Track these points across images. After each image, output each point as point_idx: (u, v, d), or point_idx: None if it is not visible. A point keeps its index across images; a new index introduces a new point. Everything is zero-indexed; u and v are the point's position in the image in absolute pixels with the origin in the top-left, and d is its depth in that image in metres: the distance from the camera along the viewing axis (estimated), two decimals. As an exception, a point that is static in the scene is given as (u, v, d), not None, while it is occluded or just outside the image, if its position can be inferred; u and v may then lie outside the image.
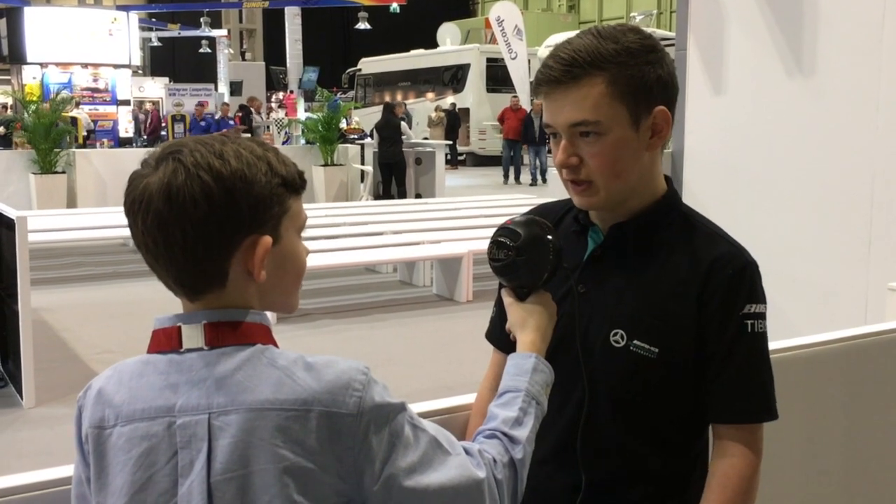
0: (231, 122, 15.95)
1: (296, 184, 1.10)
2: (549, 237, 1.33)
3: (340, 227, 8.54)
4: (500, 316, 1.51)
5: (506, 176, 18.09)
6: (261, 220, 1.05)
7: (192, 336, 1.05)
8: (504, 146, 18.45)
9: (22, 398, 4.70)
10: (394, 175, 12.38)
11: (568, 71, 1.28)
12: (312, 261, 7.29)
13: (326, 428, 1.01)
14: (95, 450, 1.06)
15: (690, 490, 1.40)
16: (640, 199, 1.37)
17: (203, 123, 16.22)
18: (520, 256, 1.32)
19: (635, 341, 1.33)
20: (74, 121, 14.02)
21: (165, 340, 1.06)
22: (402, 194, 12.20)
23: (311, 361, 1.05)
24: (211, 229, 1.02)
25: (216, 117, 16.78)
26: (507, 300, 1.37)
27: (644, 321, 1.33)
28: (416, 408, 1.46)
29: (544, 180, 17.00)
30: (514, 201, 10.58)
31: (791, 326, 3.81)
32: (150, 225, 1.03)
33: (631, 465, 1.36)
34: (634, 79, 1.29)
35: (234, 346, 1.04)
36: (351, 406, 1.02)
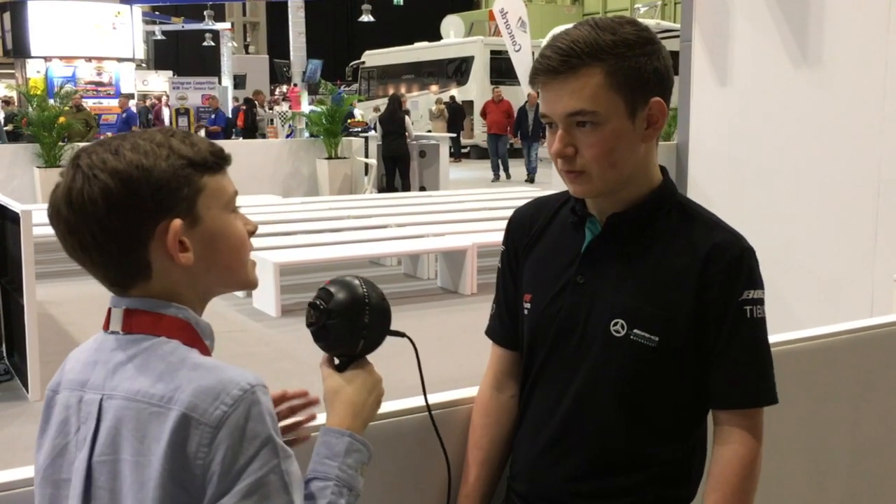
0: (213, 116, 15.73)
1: (206, 162, 1.08)
2: (368, 299, 1.23)
3: (344, 220, 8.54)
4: (499, 312, 1.52)
5: (495, 173, 16.59)
6: (168, 204, 1.04)
7: (116, 320, 1.08)
8: (489, 141, 17.00)
9: (27, 391, 4.72)
10: (398, 168, 12.35)
11: (566, 61, 1.28)
12: (317, 254, 7.31)
13: (180, 432, 0.97)
14: (45, 411, 1.12)
15: (690, 477, 1.42)
16: (635, 189, 1.38)
17: (124, 115, 15.98)
18: (331, 319, 1.21)
19: (635, 330, 1.34)
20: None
21: (105, 320, 1.10)
22: (406, 187, 12.17)
23: (202, 362, 1.03)
24: (116, 224, 1.02)
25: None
26: (325, 371, 1.26)
27: (644, 310, 1.34)
28: (417, 401, 1.46)
29: (532, 180, 15.54)
30: (517, 194, 10.57)
31: (796, 318, 3.80)
32: (63, 233, 1.05)
33: (631, 452, 1.37)
34: (632, 70, 1.29)
35: (143, 335, 1.06)
36: (212, 417, 0.97)
